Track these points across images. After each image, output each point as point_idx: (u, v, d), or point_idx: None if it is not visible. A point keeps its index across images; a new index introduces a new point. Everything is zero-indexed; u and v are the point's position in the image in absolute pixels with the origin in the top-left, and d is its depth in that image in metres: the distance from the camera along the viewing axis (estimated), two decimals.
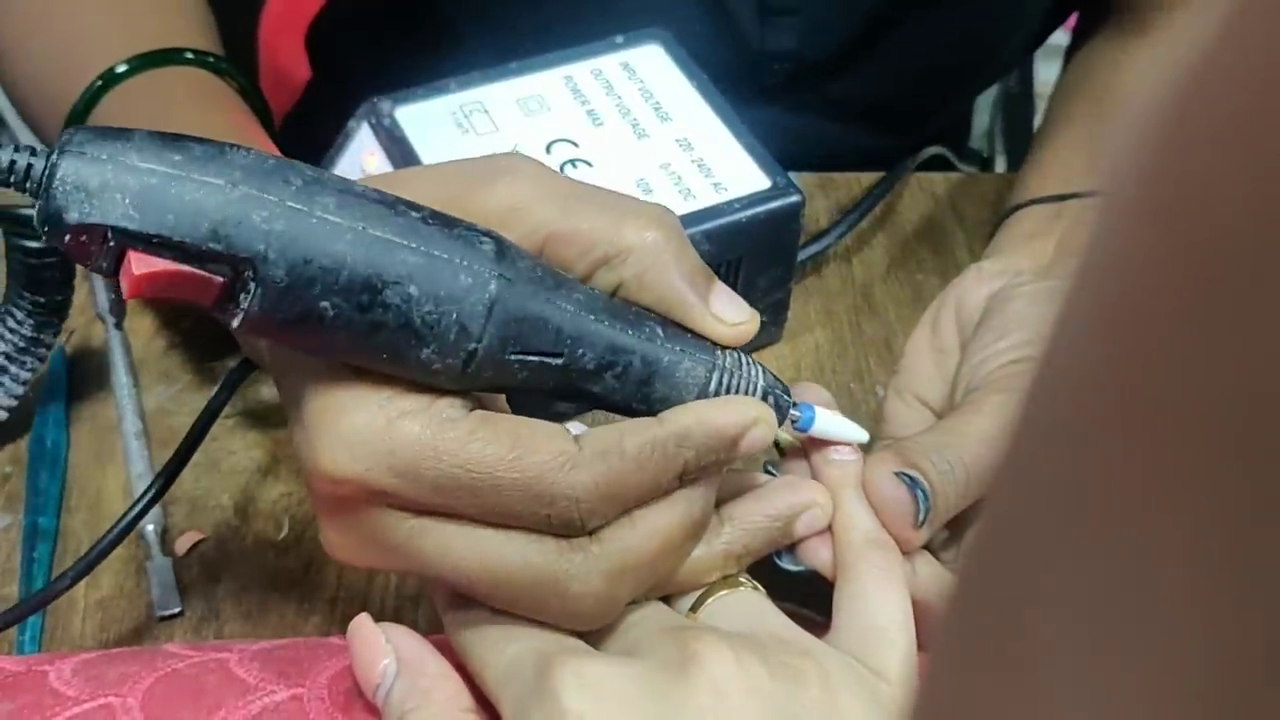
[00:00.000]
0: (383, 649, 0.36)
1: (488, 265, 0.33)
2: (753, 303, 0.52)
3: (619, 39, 0.55)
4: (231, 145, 0.32)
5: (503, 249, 0.33)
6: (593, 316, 0.34)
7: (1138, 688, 0.12)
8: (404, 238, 0.32)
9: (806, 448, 0.40)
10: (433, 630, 0.38)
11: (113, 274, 0.31)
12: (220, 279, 0.31)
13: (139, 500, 0.42)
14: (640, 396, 0.35)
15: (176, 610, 0.46)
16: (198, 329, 0.55)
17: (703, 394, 0.36)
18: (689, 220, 0.48)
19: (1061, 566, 0.13)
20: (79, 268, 0.58)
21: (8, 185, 0.31)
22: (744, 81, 0.62)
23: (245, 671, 0.39)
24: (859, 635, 0.36)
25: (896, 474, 0.38)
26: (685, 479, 0.35)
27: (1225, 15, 0.11)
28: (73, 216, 0.30)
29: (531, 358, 0.34)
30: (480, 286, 0.32)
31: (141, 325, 0.56)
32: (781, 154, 0.51)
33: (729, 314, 0.37)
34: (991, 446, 0.40)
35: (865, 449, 0.40)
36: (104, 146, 0.30)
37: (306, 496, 0.49)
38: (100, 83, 0.49)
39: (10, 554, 0.48)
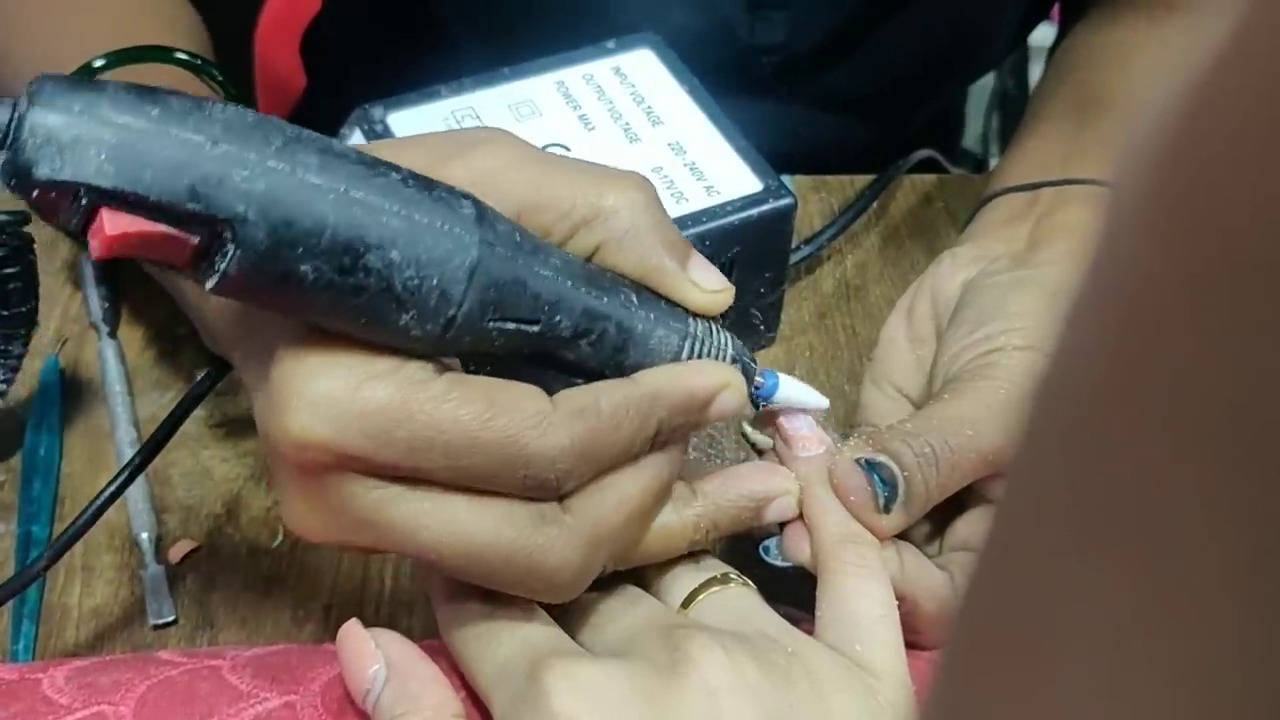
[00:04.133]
0: (372, 655, 0.36)
1: (469, 229, 0.32)
2: (746, 306, 0.52)
3: (610, 44, 0.55)
4: (210, 100, 0.30)
5: (482, 212, 0.33)
6: (570, 282, 0.34)
7: (1154, 694, 0.12)
8: (386, 200, 0.31)
9: (776, 444, 0.40)
10: (426, 637, 0.38)
11: (81, 232, 0.29)
12: (196, 239, 0.30)
13: (117, 476, 0.42)
14: (614, 364, 0.35)
15: (170, 619, 0.46)
16: (191, 337, 0.55)
17: (675, 361, 0.36)
18: (682, 223, 0.48)
19: (1076, 573, 0.13)
20: (89, 275, 0.58)
21: None
22: (733, 75, 0.62)
23: (238, 679, 0.39)
24: (841, 631, 0.36)
25: (855, 460, 0.38)
26: (656, 442, 0.35)
27: (1235, 21, 0.11)
28: (43, 172, 0.28)
29: (509, 324, 0.33)
30: (462, 251, 0.32)
31: (134, 334, 0.56)
32: (771, 147, 0.51)
33: (706, 281, 0.37)
34: (974, 429, 0.39)
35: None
36: (77, 97, 0.28)
37: None
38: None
39: (4, 563, 0.48)
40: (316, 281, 0.30)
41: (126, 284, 0.57)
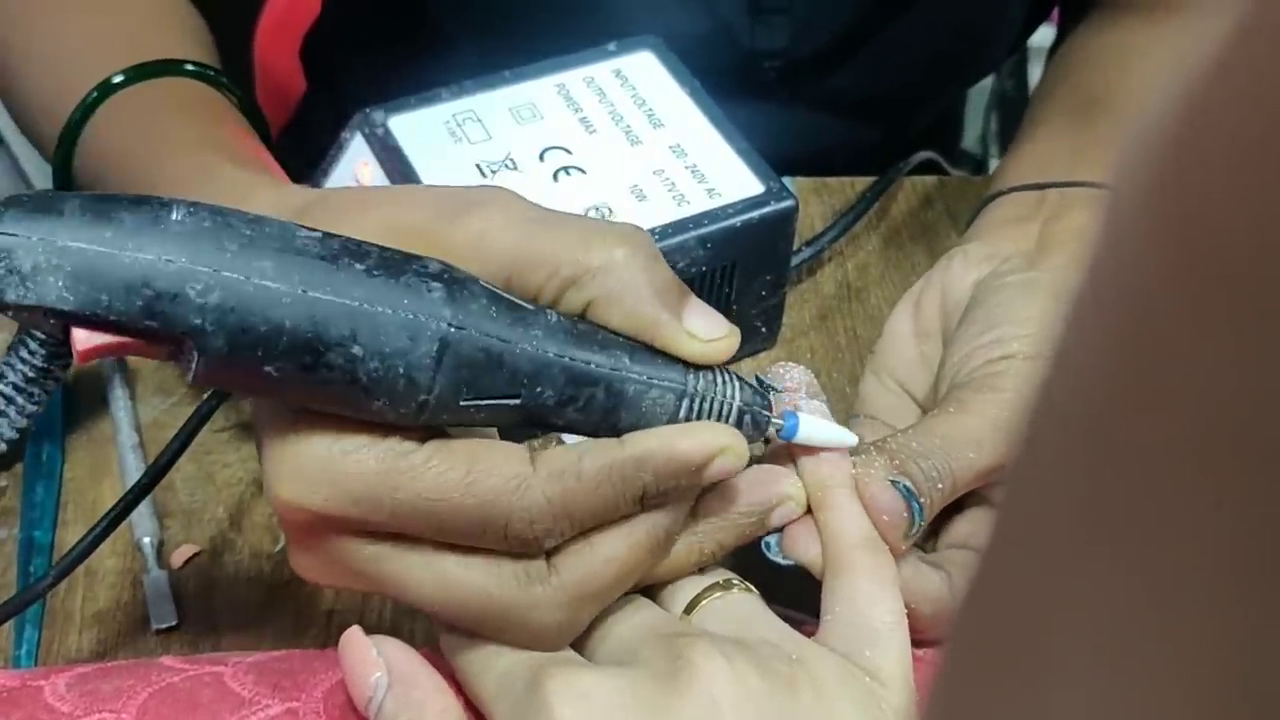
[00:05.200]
0: (374, 662, 0.36)
1: (436, 314, 0.32)
2: (747, 308, 0.52)
3: (611, 46, 0.55)
4: (167, 204, 0.31)
5: (453, 293, 0.33)
6: (553, 351, 0.34)
7: (1154, 698, 0.12)
8: (346, 295, 0.31)
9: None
10: (428, 643, 0.38)
11: (63, 340, 0.31)
12: (166, 346, 0.32)
13: (124, 497, 0.42)
14: (607, 426, 0.35)
15: (173, 624, 0.46)
16: None
17: (672, 420, 0.35)
18: (682, 226, 0.48)
19: (1078, 577, 0.13)
20: None
21: None
22: (734, 79, 0.62)
23: (240, 685, 0.38)
24: (851, 634, 0.36)
25: (893, 482, 0.38)
26: (646, 503, 0.34)
27: (1234, 23, 0.11)
28: (10, 297, 0.30)
29: (486, 402, 0.33)
30: (428, 339, 0.32)
31: None
32: (773, 150, 0.51)
33: (703, 330, 0.36)
34: (977, 450, 0.39)
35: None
36: (35, 226, 0.30)
37: None
38: (96, 94, 0.49)
39: (6, 568, 0.48)
40: (282, 379, 0.32)
41: None
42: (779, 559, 0.39)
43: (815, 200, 0.62)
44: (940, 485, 0.39)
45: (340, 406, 0.32)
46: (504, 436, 0.36)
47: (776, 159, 0.51)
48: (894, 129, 0.73)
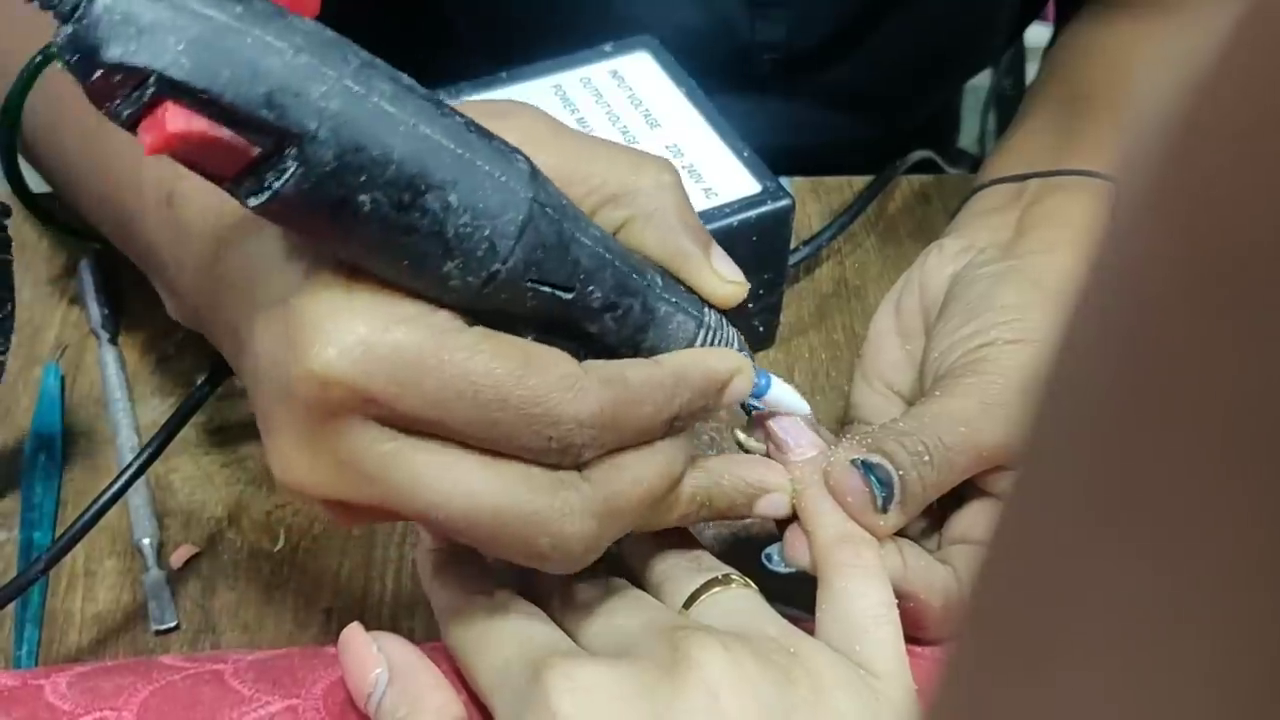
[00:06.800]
0: (374, 658, 0.36)
1: (524, 185, 0.31)
2: (745, 307, 0.52)
3: (607, 47, 0.55)
4: (289, 11, 0.29)
5: (535, 170, 0.32)
6: (607, 254, 0.34)
7: (1170, 692, 0.12)
8: (452, 141, 0.30)
9: (769, 449, 0.40)
10: (427, 639, 0.38)
11: (133, 124, 0.27)
12: (257, 150, 0.28)
13: (118, 477, 0.42)
14: (633, 343, 0.35)
15: (172, 624, 0.46)
16: (191, 343, 0.55)
17: (689, 347, 0.36)
18: None
19: (1090, 568, 0.13)
20: (85, 288, 0.57)
21: None
22: (733, 73, 0.62)
23: (240, 683, 0.39)
24: (841, 631, 0.36)
25: (850, 461, 0.38)
26: (674, 425, 0.35)
27: (1237, 17, 0.11)
28: (113, 53, 0.26)
29: (545, 287, 0.32)
30: (515, 206, 0.31)
31: (134, 340, 0.56)
32: (771, 144, 0.51)
33: (726, 271, 0.37)
34: (968, 425, 0.39)
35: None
36: None
37: (301, 507, 0.50)
38: (40, 58, 0.47)
39: (6, 569, 0.48)
40: (372, 214, 0.29)
41: (126, 291, 0.57)
42: (780, 568, 0.39)
43: (812, 199, 0.62)
44: (928, 459, 0.39)
45: (409, 261, 0.30)
46: None
47: (774, 153, 0.52)
48: (892, 123, 0.73)
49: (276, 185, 0.28)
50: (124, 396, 0.53)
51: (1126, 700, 0.12)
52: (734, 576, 0.38)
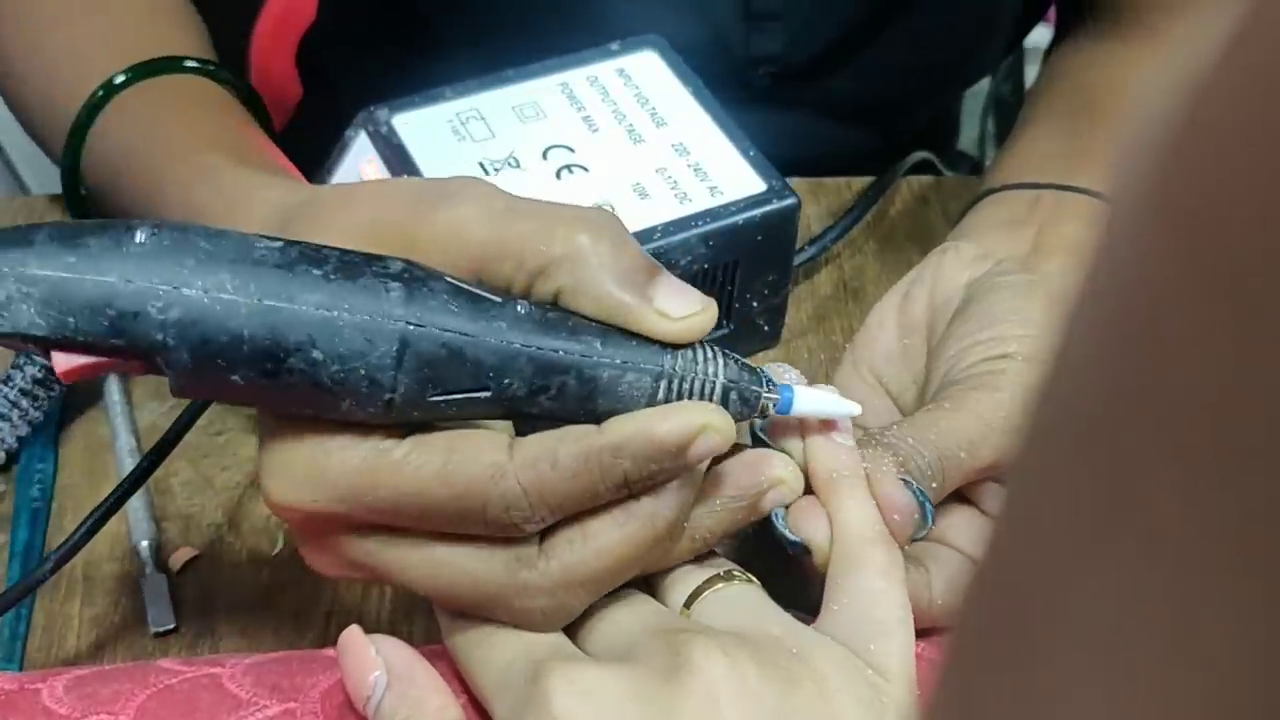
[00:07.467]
0: (373, 661, 0.36)
1: (394, 314, 0.33)
2: (750, 307, 0.52)
3: (614, 46, 0.55)
4: (132, 227, 0.33)
5: (413, 291, 0.33)
6: (518, 342, 0.33)
7: (1163, 694, 0.12)
8: (302, 302, 0.33)
9: (801, 426, 0.39)
10: (426, 642, 0.38)
11: (48, 360, 0.33)
12: (136, 362, 0.33)
13: (119, 486, 0.42)
14: (584, 413, 0.34)
15: (171, 627, 0.46)
16: None
17: (651, 403, 0.35)
18: (685, 224, 0.48)
19: (1084, 574, 0.13)
20: None
21: None
22: (730, 85, 0.62)
23: (238, 687, 0.38)
24: (857, 628, 0.36)
25: (905, 482, 0.38)
26: (633, 489, 0.34)
27: (1236, 22, 0.11)
28: None
29: (456, 396, 0.34)
30: (386, 338, 0.33)
31: None
32: (770, 153, 0.51)
33: (674, 308, 0.35)
34: (969, 450, 0.39)
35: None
36: (7, 257, 0.32)
37: None
38: (101, 93, 0.49)
39: (1, 573, 0.48)
40: (249, 386, 0.33)
41: None
42: (785, 530, 0.38)
43: (811, 201, 0.62)
44: (934, 485, 0.39)
45: (312, 409, 0.33)
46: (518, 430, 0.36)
47: (772, 163, 0.51)
48: (890, 133, 0.73)
49: (170, 382, 0.33)
50: (122, 400, 0.53)
51: (1123, 705, 0.12)
52: (736, 573, 0.38)
